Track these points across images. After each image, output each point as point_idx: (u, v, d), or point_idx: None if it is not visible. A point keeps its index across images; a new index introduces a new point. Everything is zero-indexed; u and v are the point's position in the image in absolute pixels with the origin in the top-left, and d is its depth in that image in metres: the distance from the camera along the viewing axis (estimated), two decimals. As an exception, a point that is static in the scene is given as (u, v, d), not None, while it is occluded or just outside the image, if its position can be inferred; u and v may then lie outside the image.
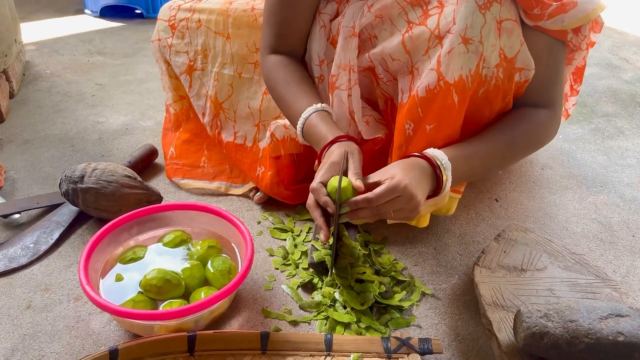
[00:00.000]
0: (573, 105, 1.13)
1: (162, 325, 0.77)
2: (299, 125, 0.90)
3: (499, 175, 1.22)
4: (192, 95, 1.14)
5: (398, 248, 1.01)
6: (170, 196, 1.13)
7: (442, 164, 0.80)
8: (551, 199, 1.15)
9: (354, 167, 0.80)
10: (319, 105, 0.90)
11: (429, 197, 0.82)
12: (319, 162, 0.87)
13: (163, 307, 0.80)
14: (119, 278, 0.84)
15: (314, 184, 0.79)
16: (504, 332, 0.76)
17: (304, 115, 0.90)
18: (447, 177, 0.81)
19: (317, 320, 0.85)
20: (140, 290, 0.82)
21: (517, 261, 0.89)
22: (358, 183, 0.77)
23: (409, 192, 0.75)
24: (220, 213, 0.92)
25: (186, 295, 0.84)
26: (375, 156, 0.95)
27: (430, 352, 0.77)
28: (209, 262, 0.88)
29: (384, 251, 0.99)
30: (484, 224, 1.07)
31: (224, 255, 0.90)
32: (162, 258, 0.88)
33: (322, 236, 0.81)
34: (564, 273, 0.87)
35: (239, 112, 1.10)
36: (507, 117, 0.89)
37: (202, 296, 0.82)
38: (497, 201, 1.14)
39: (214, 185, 1.16)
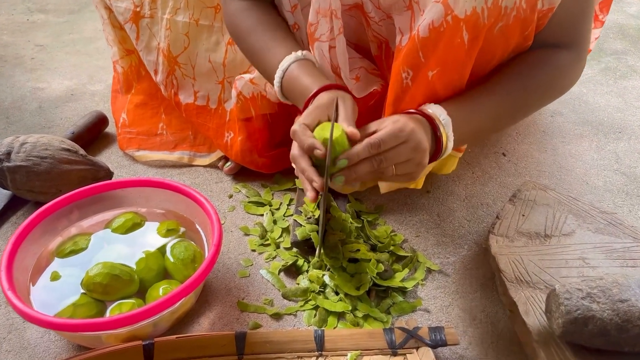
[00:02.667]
0: (596, 39, 0.97)
1: (111, 334, 0.62)
2: (276, 80, 0.73)
3: (503, 125, 1.06)
4: (140, 49, 0.95)
5: (395, 217, 0.86)
6: (124, 171, 0.96)
7: (440, 122, 0.65)
8: (565, 150, 1.00)
9: (345, 114, 0.64)
10: (299, 53, 0.72)
11: (428, 161, 0.67)
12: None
13: (111, 311, 0.65)
14: (55, 277, 0.68)
15: (296, 125, 0.63)
16: (533, 316, 0.62)
17: (281, 66, 0.72)
18: (448, 137, 0.66)
19: (304, 310, 0.71)
20: (83, 290, 0.66)
21: (539, 226, 0.74)
22: (349, 130, 0.61)
23: (416, 138, 0.61)
24: (179, 188, 0.76)
25: (142, 293, 0.68)
26: (370, 112, 0.79)
27: (445, 344, 0.63)
28: (168, 250, 0.72)
29: (379, 222, 0.84)
30: (492, 182, 0.93)
31: (186, 240, 0.74)
32: (111, 248, 0.72)
33: (309, 194, 0.63)
34: (596, 237, 0.73)
35: (198, 67, 0.92)
36: (521, 62, 0.73)
37: (160, 293, 0.66)
38: (504, 155, 0.99)
39: (175, 155, 0.98)
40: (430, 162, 0.67)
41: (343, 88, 0.69)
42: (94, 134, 1.02)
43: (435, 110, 0.66)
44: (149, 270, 0.69)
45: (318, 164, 0.64)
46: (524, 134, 1.04)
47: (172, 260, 0.70)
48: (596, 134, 1.05)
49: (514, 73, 0.72)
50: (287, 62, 0.72)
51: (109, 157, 0.99)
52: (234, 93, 0.88)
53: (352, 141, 0.62)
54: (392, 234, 0.82)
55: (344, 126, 0.62)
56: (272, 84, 0.75)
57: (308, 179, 0.64)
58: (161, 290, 0.67)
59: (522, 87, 0.71)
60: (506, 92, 0.71)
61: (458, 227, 0.84)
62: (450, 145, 0.66)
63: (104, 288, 0.65)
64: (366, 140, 0.60)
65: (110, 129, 1.06)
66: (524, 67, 0.72)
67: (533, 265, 0.69)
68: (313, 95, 0.68)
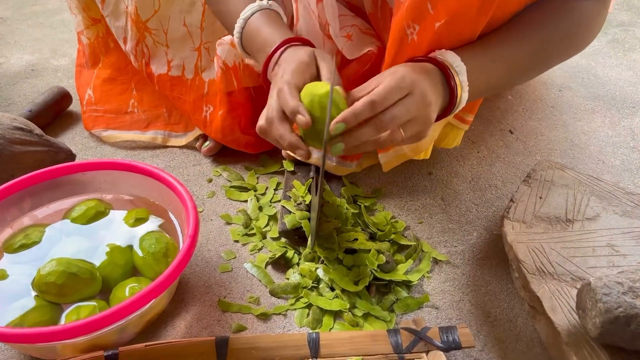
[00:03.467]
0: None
1: (67, 344, 0.52)
2: (236, 30, 0.66)
3: (508, 100, 0.98)
4: (107, 14, 0.84)
5: (395, 202, 0.77)
6: (89, 154, 0.86)
7: (454, 69, 0.56)
8: (577, 127, 0.92)
9: (327, 71, 0.56)
10: (264, 1, 0.65)
11: (439, 118, 0.59)
12: (265, 82, 0.64)
13: (67, 316, 0.55)
14: (2, 275, 0.58)
15: (282, 83, 0.55)
16: (561, 313, 0.54)
17: (243, 15, 0.65)
18: (463, 86, 0.56)
19: (295, 309, 0.62)
20: (35, 291, 0.56)
21: (558, 209, 0.66)
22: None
23: (420, 89, 0.52)
24: (149, 171, 0.66)
25: (105, 293, 0.59)
26: (365, 79, 0.69)
27: (459, 347, 0.55)
28: (137, 242, 0.62)
29: (377, 207, 0.75)
30: (500, 162, 0.84)
31: (158, 230, 0.64)
32: (69, 241, 0.62)
33: (299, 153, 0.55)
34: (624, 221, 0.64)
35: (171, 32, 0.81)
36: (541, 9, 0.63)
37: (127, 294, 0.57)
38: (511, 133, 0.90)
39: (147, 135, 0.88)
40: (443, 117, 0.58)
41: (311, 44, 0.61)
42: (55, 113, 0.91)
43: (448, 57, 0.57)
44: (113, 267, 0.60)
45: (305, 135, 0.55)
46: (531, 110, 0.96)
47: (141, 254, 0.60)
48: (609, 109, 0.96)
49: (534, 21, 0.62)
50: (250, 10, 0.65)
51: (72, 139, 0.89)
52: (216, 62, 0.77)
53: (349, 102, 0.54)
54: (393, 220, 0.73)
55: (340, 87, 0.53)
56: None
57: (290, 147, 0.54)
58: (128, 290, 0.57)
59: (542, 36, 0.62)
60: (525, 41, 0.61)
61: (465, 212, 0.75)
62: (465, 97, 0.57)
63: (59, 289, 0.55)
64: (364, 98, 0.51)
65: (75, 107, 0.95)
66: (545, 14, 0.62)
67: (556, 254, 0.60)
68: (276, 49, 0.60)
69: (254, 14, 0.64)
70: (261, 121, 0.57)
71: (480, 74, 0.58)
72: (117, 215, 0.66)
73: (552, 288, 0.57)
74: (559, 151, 0.86)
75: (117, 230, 0.64)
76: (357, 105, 0.51)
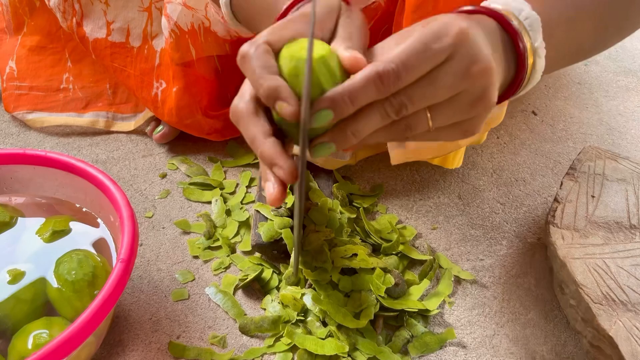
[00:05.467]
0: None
1: None
2: None
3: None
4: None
5: (400, 201, 0.60)
6: (9, 142, 0.67)
7: (521, 22, 0.36)
8: (611, 106, 0.77)
9: (344, 30, 0.36)
10: None
11: (498, 100, 0.37)
12: None
13: None
14: None
15: (249, 45, 0.35)
16: (648, 363, 0.39)
17: None
18: (537, 49, 0.37)
19: (274, 354, 0.45)
20: None
21: (619, 212, 0.51)
22: (350, 53, 0.34)
23: (470, 47, 0.32)
24: (70, 165, 0.48)
25: (4, 341, 0.41)
26: (370, 38, 0.51)
27: (504, 411, 0.39)
28: (52, 267, 0.44)
29: (378, 209, 0.59)
30: (526, 150, 0.68)
31: (83, 248, 0.46)
32: (-47, 266, 0.44)
33: (270, 190, 0.37)
34: None
35: (111, -14, 0.63)
36: None
37: (30, 346, 0.39)
38: (535, 114, 0.75)
39: (85, 118, 0.70)
40: (503, 98, 0.38)
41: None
42: (-34, 90, 0.72)
43: (512, 4, 0.37)
44: (16, 303, 0.42)
45: (283, 123, 0.36)
46: (555, 87, 0.80)
47: (56, 284, 0.43)
48: (645, 86, 0.82)
49: None
50: None
51: (-13, 123, 0.70)
52: (164, 24, 0.59)
53: (351, 72, 0.34)
54: (399, 226, 0.57)
55: (340, 48, 0.35)
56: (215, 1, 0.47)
57: (265, 158, 0.36)
58: (31, 341, 0.39)
59: None
60: None
61: (489, 214, 0.59)
62: (541, 65, 0.37)
63: None
64: (369, 67, 0.32)
65: (-6, 83, 0.76)
66: None
67: (626, 274, 0.45)
68: (289, 8, 0.41)
69: None
70: (232, 105, 0.38)
71: (562, 31, 0.39)
72: (28, 227, 0.48)
73: (628, 324, 0.41)
74: (594, 136, 0.71)
75: (26, 248, 0.46)
76: (355, 80, 0.32)
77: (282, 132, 0.37)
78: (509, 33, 0.36)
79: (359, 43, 0.36)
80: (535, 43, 0.37)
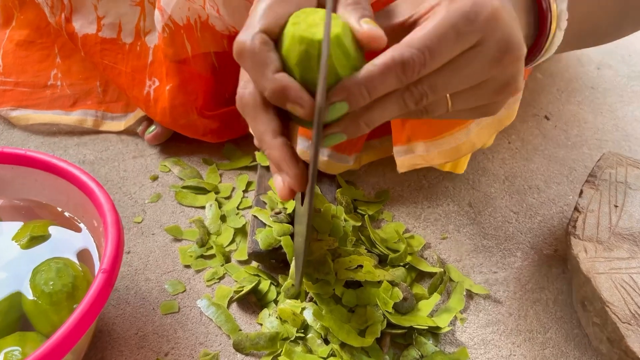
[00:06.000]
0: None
1: None
2: None
3: (537, 79, 0.78)
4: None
5: (407, 208, 0.57)
6: (-9, 140, 0.63)
7: None
8: (626, 112, 0.73)
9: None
10: None
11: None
12: None
13: None
14: None
15: (245, 35, 0.31)
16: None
17: None
18: (560, 12, 0.34)
19: (272, 374, 0.41)
20: None
21: (644, 223, 0.47)
22: (366, 28, 0.29)
23: (500, 31, 0.29)
24: (51, 165, 0.44)
25: (-30, 359, 0.37)
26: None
27: None
28: (29, 277, 0.40)
29: (384, 216, 0.55)
30: (538, 156, 0.65)
31: (62, 255, 0.42)
32: None
33: (280, 189, 0.34)
34: None
35: (102, -23, 0.59)
36: None
37: (-2, 365, 0.35)
38: (547, 119, 0.71)
39: (73, 116, 0.66)
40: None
41: None
42: (-52, 85, 0.68)
43: None
44: (-12, 316, 0.38)
45: (295, 118, 0.33)
46: (567, 91, 0.77)
47: (31, 296, 0.39)
48: (660, 92, 0.78)
49: None
50: None
51: (-31, 120, 0.66)
52: (158, 17, 0.56)
53: (367, 49, 0.31)
54: (407, 235, 0.53)
55: (353, 20, 0.30)
56: None
57: (273, 161, 0.33)
58: (1, 359, 0.35)
59: None
60: None
61: (502, 223, 0.56)
62: (559, 36, 0.35)
63: None
64: (391, 52, 0.28)
65: (-21, 79, 0.72)
66: None
67: (656, 291, 0.41)
68: None
69: None
70: (238, 92, 0.34)
71: (584, 5, 0.37)
72: (4, 231, 0.44)
73: (661, 347, 0.38)
74: (610, 142, 0.68)
75: (2, 255, 0.42)
76: (375, 69, 0.29)
77: (285, 126, 0.33)
78: None
79: (368, 4, 0.32)
80: (559, 7, 0.34)
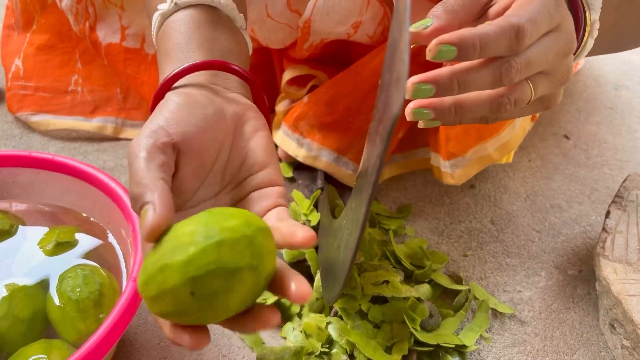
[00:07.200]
0: None
1: None
2: (153, 25, 0.39)
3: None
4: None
5: (429, 224, 0.56)
6: (11, 144, 0.63)
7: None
8: (646, 133, 0.73)
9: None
10: None
11: None
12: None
13: None
14: None
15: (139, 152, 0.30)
16: None
17: (160, 9, 0.37)
18: (593, 24, 0.36)
19: (297, 389, 0.41)
20: None
21: (673, 246, 0.47)
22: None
23: (569, 22, 0.33)
24: (81, 171, 0.44)
25: (-5, 366, 0.36)
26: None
27: None
28: (54, 282, 0.40)
29: (406, 232, 0.55)
30: (559, 175, 0.65)
31: (88, 262, 0.42)
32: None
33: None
34: None
35: (129, -13, 0.59)
36: None
37: (25, 374, 0.35)
38: (567, 138, 0.71)
39: (93, 123, 0.66)
40: None
41: (250, 78, 0.36)
42: (-32, 88, 0.68)
43: None
44: (13, 322, 0.37)
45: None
46: (586, 111, 0.77)
47: (58, 302, 0.38)
48: (678, 114, 0.78)
49: None
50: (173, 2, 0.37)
51: (-11, 123, 0.66)
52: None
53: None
54: (429, 251, 0.52)
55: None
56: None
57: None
58: (27, 367, 0.35)
59: None
60: None
61: (525, 242, 0.55)
62: (590, 44, 0.37)
63: None
64: (504, 19, 0.30)
65: (-1, 82, 0.72)
66: None
67: (688, 315, 0.41)
68: (173, 77, 0.34)
69: (179, 10, 0.36)
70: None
71: (612, 14, 0.38)
72: (29, 236, 0.44)
73: (697, 373, 0.37)
74: (631, 163, 0.67)
75: (27, 261, 0.42)
76: (492, 26, 0.30)
77: None
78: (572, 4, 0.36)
79: None
80: (592, 18, 0.36)
